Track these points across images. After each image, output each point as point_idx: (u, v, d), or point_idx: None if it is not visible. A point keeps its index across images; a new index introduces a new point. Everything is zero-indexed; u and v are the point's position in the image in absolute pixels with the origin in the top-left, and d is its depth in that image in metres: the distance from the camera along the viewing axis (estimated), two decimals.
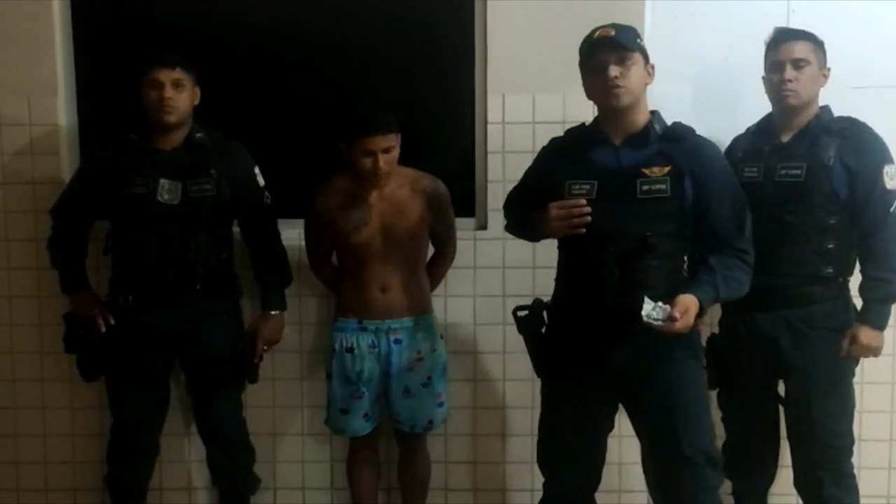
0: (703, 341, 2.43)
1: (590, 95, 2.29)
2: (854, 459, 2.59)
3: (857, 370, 2.62)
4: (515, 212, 2.51)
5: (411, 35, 3.05)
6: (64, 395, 3.07)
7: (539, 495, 2.49)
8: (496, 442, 3.09)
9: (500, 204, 2.62)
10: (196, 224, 2.68)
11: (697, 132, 2.30)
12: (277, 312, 2.83)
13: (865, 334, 2.50)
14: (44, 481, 3.13)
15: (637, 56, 2.21)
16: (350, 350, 2.68)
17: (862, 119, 2.55)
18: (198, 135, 2.72)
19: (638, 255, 2.16)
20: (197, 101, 2.73)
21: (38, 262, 2.96)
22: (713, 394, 2.65)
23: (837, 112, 2.57)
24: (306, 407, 3.07)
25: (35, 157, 3.00)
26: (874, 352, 2.55)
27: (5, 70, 2.97)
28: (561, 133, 2.44)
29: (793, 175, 2.51)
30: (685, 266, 2.25)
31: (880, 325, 2.52)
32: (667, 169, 2.21)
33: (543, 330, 2.39)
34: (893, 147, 2.55)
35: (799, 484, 2.63)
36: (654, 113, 2.29)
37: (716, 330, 2.70)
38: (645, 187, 2.20)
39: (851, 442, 2.57)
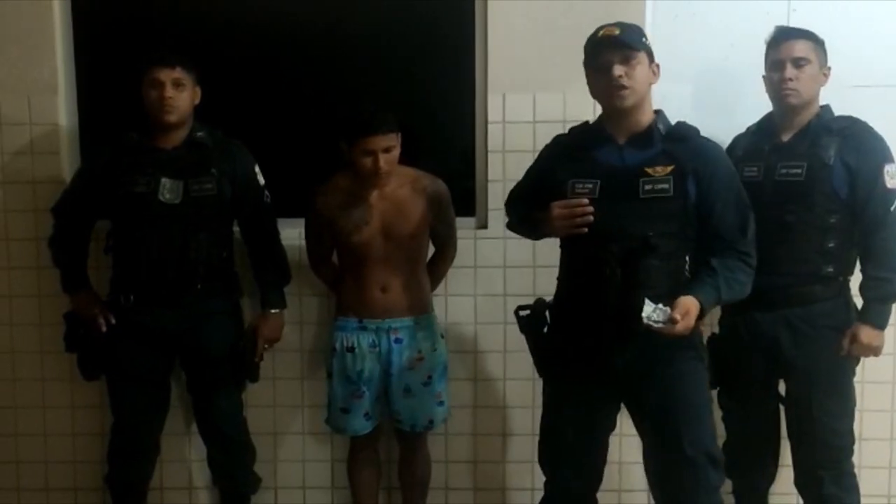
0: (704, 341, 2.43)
1: (594, 94, 2.28)
2: (855, 458, 2.59)
3: (858, 369, 2.62)
4: (518, 210, 2.50)
5: (412, 34, 3.05)
6: (64, 395, 3.07)
7: (539, 495, 2.50)
8: (497, 441, 3.09)
9: (501, 203, 2.62)
10: (197, 223, 2.68)
11: (700, 133, 2.30)
12: (277, 311, 2.83)
13: (866, 333, 2.50)
14: (44, 481, 3.13)
15: (642, 55, 2.20)
16: (351, 349, 2.68)
17: (862, 118, 2.55)
18: (199, 134, 2.72)
19: (640, 255, 2.16)
20: (198, 101, 2.73)
21: (39, 261, 2.97)
22: (714, 393, 2.64)
23: (838, 111, 2.57)
24: (307, 406, 3.07)
25: (35, 157, 2.99)
26: (874, 351, 2.55)
27: (6, 69, 2.97)
28: (562, 132, 2.43)
29: (793, 174, 2.51)
30: (687, 266, 2.25)
31: (881, 325, 2.52)
32: (670, 168, 2.20)
33: (545, 330, 2.38)
34: (894, 146, 2.55)
35: (799, 483, 2.64)
36: (658, 112, 2.28)
37: (716, 329, 2.70)
38: (648, 187, 2.19)
39: (852, 441, 2.58)
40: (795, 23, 2.70)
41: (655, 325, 2.08)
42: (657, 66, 2.25)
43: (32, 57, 2.97)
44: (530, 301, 2.41)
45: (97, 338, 2.74)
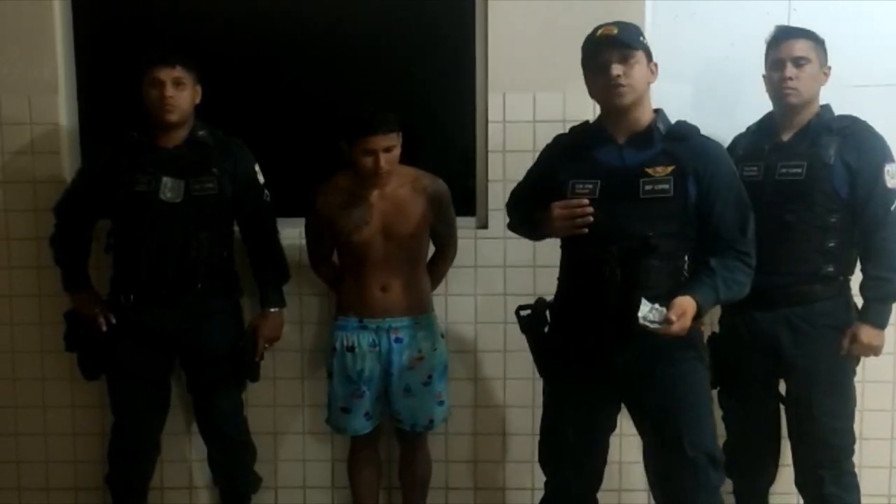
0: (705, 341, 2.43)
1: (592, 94, 2.28)
2: (855, 458, 2.59)
3: (858, 369, 2.61)
4: (519, 211, 2.50)
5: (412, 34, 3.05)
6: (65, 394, 3.07)
7: (540, 494, 2.50)
8: (497, 441, 3.09)
9: (501, 203, 2.62)
10: (198, 222, 2.68)
11: (701, 131, 2.29)
12: (277, 310, 2.84)
13: (866, 333, 2.50)
14: (45, 480, 3.13)
15: (640, 54, 2.20)
16: (351, 349, 2.68)
17: (863, 118, 2.55)
18: (200, 133, 2.72)
19: (640, 256, 2.16)
20: (198, 100, 2.73)
21: (39, 261, 2.97)
22: (714, 393, 2.64)
23: (838, 111, 2.57)
24: (307, 406, 3.07)
25: (36, 157, 3.00)
26: (875, 351, 2.55)
27: (6, 69, 2.97)
28: (562, 131, 2.43)
29: (793, 174, 2.51)
30: (686, 266, 2.24)
31: (881, 324, 2.52)
32: (670, 168, 2.20)
33: (546, 329, 2.38)
34: (894, 146, 2.55)
35: (800, 483, 2.63)
36: (657, 111, 2.28)
37: (716, 329, 2.70)
38: (648, 187, 2.19)
39: (852, 441, 2.57)
40: (796, 22, 2.70)
41: (651, 326, 2.08)
42: (655, 65, 2.25)
43: (33, 57, 2.97)
44: (530, 301, 2.41)
45: (97, 337, 2.74)
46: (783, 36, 2.55)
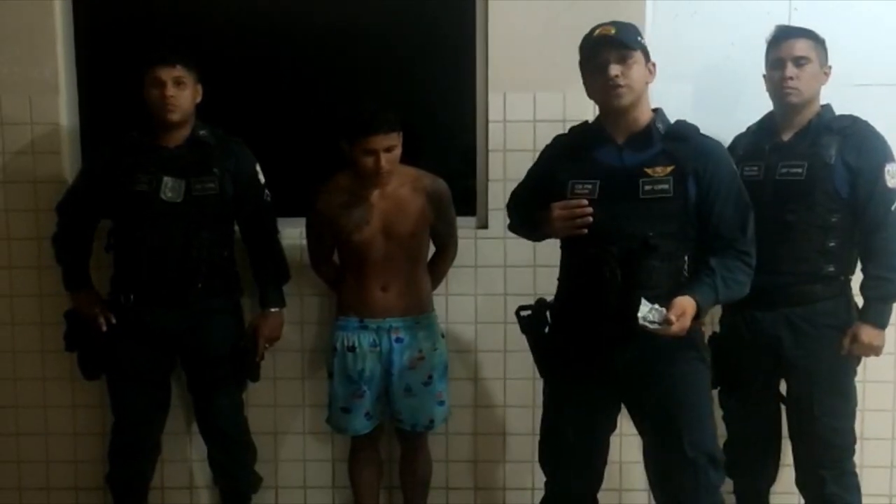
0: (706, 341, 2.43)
1: (590, 95, 2.28)
2: (856, 458, 2.59)
3: (859, 369, 2.61)
4: (519, 211, 2.50)
5: (412, 34, 3.05)
6: (65, 394, 3.07)
7: (540, 494, 2.50)
8: (497, 441, 3.09)
9: (501, 203, 2.62)
10: (199, 222, 2.68)
11: (700, 130, 2.29)
12: (277, 310, 2.83)
13: (867, 333, 2.50)
14: (45, 480, 3.13)
15: (638, 54, 2.19)
16: (351, 349, 2.68)
17: (863, 117, 2.55)
18: (201, 132, 2.72)
19: (640, 256, 2.16)
20: (199, 99, 2.73)
21: (40, 260, 2.97)
22: (715, 393, 2.64)
23: (839, 110, 2.57)
24: (308, 406, 3.07)
25: (36, 157, 3.00)
26: (875, 351, 2.54)
27: (7, 69, 2.97)
28: (562, 131, 2.43)
29: (794, 174, 2.51)
30: (686, 266, 2.24)
31: (881, 324, 2.52)
32: (670, 168, 2.20)
33: (546, 330, 2.38)
34: (895, 145, 2.55)
35: (801, 482, 2.63)
36: (656, 111, 2.28)
37: (717, 329, 2.70)
38: (647, 187, 2.19)
39: (853, 440, 2.57)
40: (796, 22, 2.70)
41: (651, 326, 2.07)
42: (653, 64, 2.25)
43: (34, 56, 2.97)
44: (531, 301, 2.41)
45: (97, 337, 2.74)
46: (783, 35, 2.55)
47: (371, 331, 2.68)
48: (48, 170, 2.99)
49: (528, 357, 2.43)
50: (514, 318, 2.42)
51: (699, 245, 2.24)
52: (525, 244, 2.65)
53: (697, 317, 2.15)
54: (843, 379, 2.56)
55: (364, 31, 3.05)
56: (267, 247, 2.83)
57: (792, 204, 2.50)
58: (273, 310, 2.83)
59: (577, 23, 2.35)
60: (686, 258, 2.23)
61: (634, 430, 2.39)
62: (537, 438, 2.44)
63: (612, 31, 2.19)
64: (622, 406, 2.38)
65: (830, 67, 2.57)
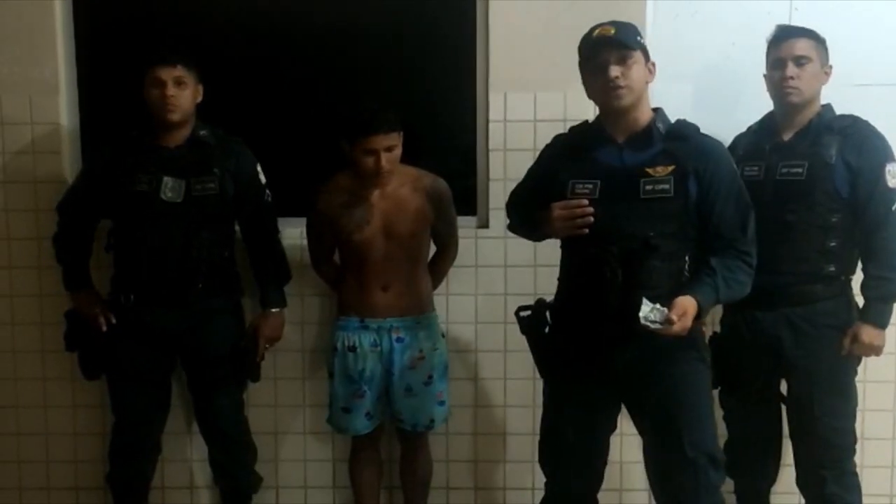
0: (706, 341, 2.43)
1: (590, 95, 2.27)
2: (856, 458, 2.59)
3: (860, 369, 2.61)
4: (519, 211, 2.49)
5: (413, 33, 3.05)
6: (66, 394, 3.07)
7: (540, 494, 2.50)
8: (497, 441, 3.09)
9: (502, 202, 2.61)
10: (199, 222, 2.68)
11: (700, 130, 2.29)
12: (278, 310, 2.83)
13: (867, 333, 2.50)
14: (46, 480, 3.13)
15: (638, 54, 2.19)
16: (352, 349, 2.68)
17: (864, 117, 2.55)
18: (202, 132, 2.72)
19: (641, 256, 2.15)
20: (199, 99, 2.73)
21: (40, 260, 2.97)
22: (715, 393, 2.64)
23: (839, 110, 2.57)
24: (308, 406, 3.07)
25: (37, 156, 3.00)
26: (876, 350, 2.54)
27: (7, 69, 2.97)
28: (562, 131, 2.43)
29: (794, 173, 2.51)
30: (687, 266, 2.24)
31: (882, 324, 2.52)
32: (670, 168, 2.19)
33: (546, 330, 2.38)
34: (895, 145, 2.55)
35: (801, 482, 2.63)
36: (656, 111, 2.28)
37: (718, 329, 2.69)
38: (648, 187, 2.18)
39: (854, 440, 2.57)
40: (797, 22, 2.70)
41: (652, 326, 2.07)
42: (653, 64, 2.24)
43: (34, 56, 2.97)
44: (531, 300, 2.41)
45: (98, 337, 2.74)
46: (784, 35, 2.55)
47: (372, 331, 2.68)
48: (48, 170, 2.99)
49: (529, 357, 2.43)
50: (515, 318, 2.41)
51: (700, 245, 2.24)
52: (525, 244, 2.65)
53: (698, 317, 2.15)
54: (843, 379, 2.55)
55: (364, 31, 3.05)
56: (268, 247, 2.83)
57: (792, 204, 2.49)
58: (274, 310, 2.82)
59: (578, 22, 2.35)
60: (687, 258, 2.22)
61: (634, 430, 2.39)
62: (537, 438, 2.44)
63: (612, 32, 2.19)
64: (622, 406, 2.38)
65: (831, 67, 2.57)
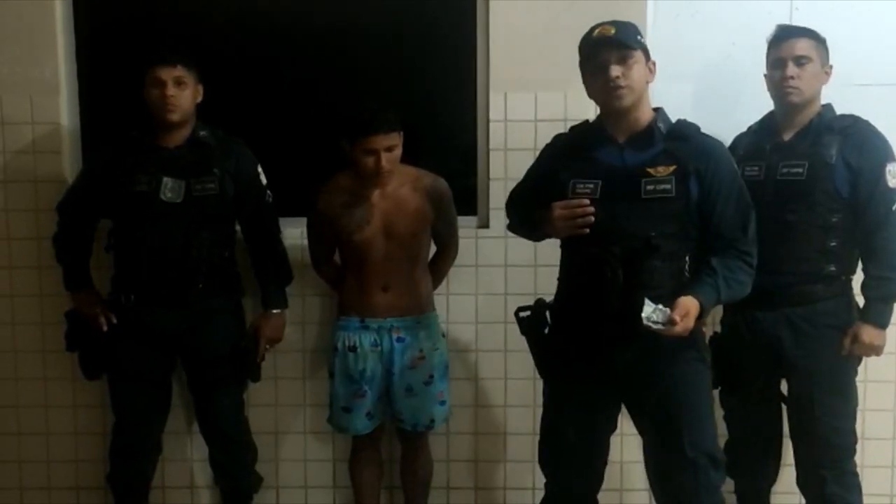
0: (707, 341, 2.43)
1: (591, 95, 2.27)
2: (857, 458, 2.59)
3: (860, 369, 2.61)
4: (519, 211, 2.49)
5: (413, 33, 3.05)
6: (66, 394, 3.07)
7: (540, 494, 2.50)
8: (498, 440, 3.09)
9: (502, 202, 2.61)
10: (199, 222, 2.68)
11: (701, 130, 2.29)
12: (279, 311, 2.83)
13: (867, 333, 2.50)
14: (46, 479, 3.13)
15: (638, 54, 2.19)
16: (352, 349, 2.68)
17: (864, 117, 2.55)
18: (202, 133, 2.72)
19: (642, 256, 2.15)
20: (200, 99, 2.73)
21: (40, 260, 2.97)
22: (715, 392, 2.64)
23: (840, 110, 2.57)
24: (309, 406, 3.07)
25: (37, 156, 3.00)
26: (876, 350, 2.54)
27: (8, 69, 2.97)
28: (563, 131, 2.43)
29: (794, 173, 2.50)
30: (687, 266, 2.24)
31: (882, 324, 2.52)
32: (672, 168, 2.19)
33: (546, 330, 2.38)
34: None
35: (802, 482, 2.63)
36: (657, 111, 2.27)
37: (718, 329, 2.69)
38: (649, 187, 2.18)
39: (854, 440, 2.57)
40: (798, 22, 2.70)
41: (655, 326, 2.07)
42: (653, 63, 2.24)
43: (34, 56, 2.97)
44: (531, 300, 2.41)
45: (98, 337, 2.74)
46: (784, 35, 2.55)
47: (372, 330, 2.68)
48: (48, 169, 2.99)
49: (529, 357, 2.43)
50: (515, 318, 2.41)
51: (700, 245, 2.24)
52: (526, 244, 2.65)
53: (700, 317, 2.15)
54: (843, 379, 2.55)
55: (364, 31, 3.05)
56: (269, 248, 2.83)
57: (793, 204, 2.49)
58: (275, 311, 2.82)
59: (578, 22, 2.35)
60: (687, 258, 2.22)
61: (634, 430, 2.39)
62: (537, 438, 2.44)
63: (612, 31, 2.18)
64: (622, 406, 2.38)
65: (831, 67, 2.57)
